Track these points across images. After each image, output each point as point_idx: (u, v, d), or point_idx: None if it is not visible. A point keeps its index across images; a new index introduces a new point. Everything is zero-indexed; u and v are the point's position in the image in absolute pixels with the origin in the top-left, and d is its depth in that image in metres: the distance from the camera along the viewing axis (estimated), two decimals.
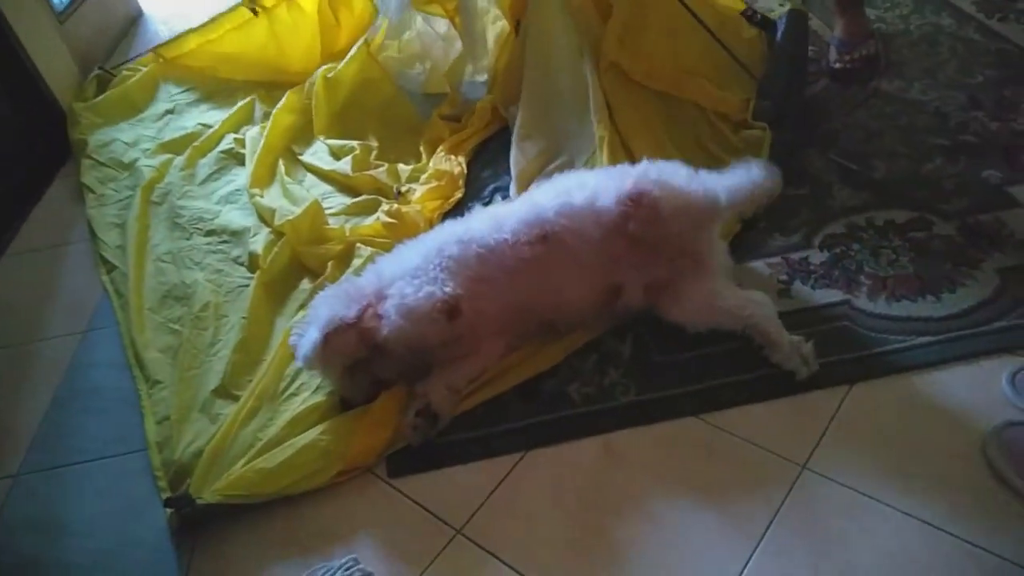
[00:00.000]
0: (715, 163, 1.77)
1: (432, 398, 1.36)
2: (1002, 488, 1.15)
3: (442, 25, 2.22)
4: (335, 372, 1.41)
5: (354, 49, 2.27)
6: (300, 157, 2.15)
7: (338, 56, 2.35)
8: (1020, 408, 1.24)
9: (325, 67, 2.30)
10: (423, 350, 1.40)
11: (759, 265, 1.58)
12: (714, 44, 1.91)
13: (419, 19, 2.23)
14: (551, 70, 1.95)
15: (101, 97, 2.50)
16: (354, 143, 2.11)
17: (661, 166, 1.46)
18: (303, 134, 2.23)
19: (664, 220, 1.38)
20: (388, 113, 2.26)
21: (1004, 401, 1.26)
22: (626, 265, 1.41)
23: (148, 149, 2.26)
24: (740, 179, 1.46)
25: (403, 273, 1.42)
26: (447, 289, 1.35)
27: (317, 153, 2.17)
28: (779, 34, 1.95)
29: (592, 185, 1.44)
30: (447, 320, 1.35)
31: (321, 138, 2.19)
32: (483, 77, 2.22)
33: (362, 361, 1.39)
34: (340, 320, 1.35)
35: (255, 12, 2.43)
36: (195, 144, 2.23)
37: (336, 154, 2.13)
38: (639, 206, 1.37)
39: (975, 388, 1.29)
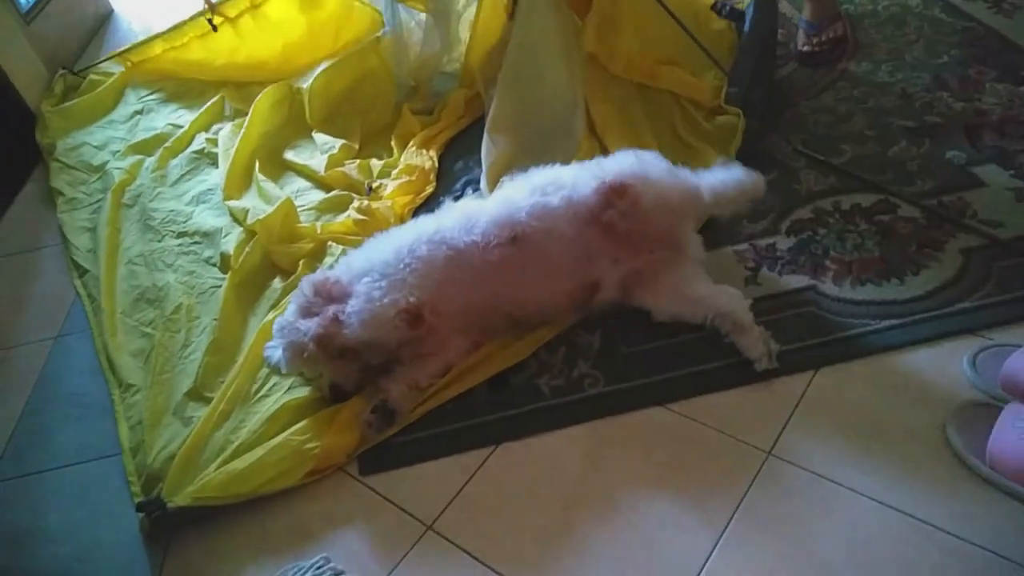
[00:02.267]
0: (688, 151, 1.79)
1: (391, 395, 1.37)
2: (962, 468, 1.17)
3: (423, 17, 2.20)
4: (316, 370, 1.42)
5: (365, 42, 2.23)
6: (284, 156, 2.13)
7: (330, 54, 2.30)
8: (980, 389, 1.25)
9: (326, 64, 2.24)
10: (385, 351, 1.41)
11: (727, 252, 1.59)
12: (685, 35, 1.92)
13: (401, 10, 2.21)
14: (535, 68, 1.93)
15: (70, 103, 2.48)
16: (337, 143, 2.09)
17: (643, 158, 1.47)
18: (284, 129, 2.22)
19: (644, 213, 1.39)
20: (379, 104, 2.23)
21: (965, 382, 1.27)
22: (603, 260, 1.42)
23: (118, 151, 2.25)
24: (724, 178, 1.48)
25: (371, 268, 1.42)
26: (412, 298, 1.36)
27: (297, 148, 2.16)
28: (747, 22, 1.96)
29: (569, 183, 1.44)
30: (408, 328, 1.36)
31: (315, 130, 2.17)
32: (452, 68, 2.21)
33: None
34: (299, 338, 1.36)
35: (213, 26, 2.40)
36: (166, 145, 2.22)
37: (322, 150, 2.11)
38: (620, 197, 1.38)
39: (937, 370, 1.30)
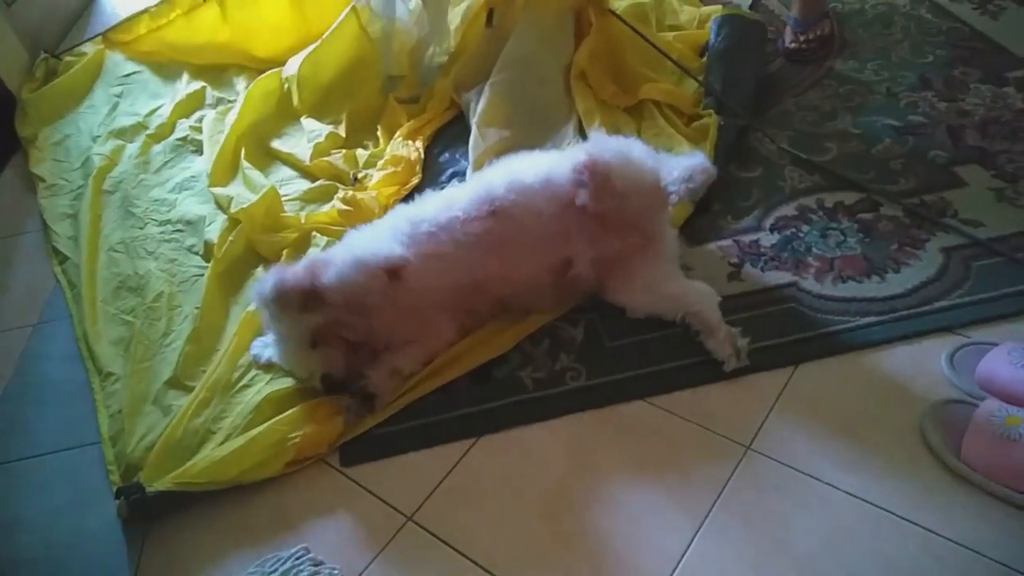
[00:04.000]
0: (669, 142, 1.80)
1: (371, 379, 1.37)
2: (938, 465, 1.18)
3: (414, 5, 2.19)
4: (299, 341, 1.39)
5: (342, 16, 2.19)
6: (270, 145, 2.11)
7: (316, 38, 2.26)
8: (957, 386, 1.27)
9: (310, 49, 2.21)
10: (362, 310, 1.38)
11: (711, 248, 1.59)
12: (664, 62, 1.99)
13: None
14: (533, 72, 1.97)
15: (47, 87, 2.44)
16: (324, 130, 2.08)
17: (618, 139, 1.48)
18: (273, 118, 2.19)
19: (616, 192, 1.39)
20: (365, 90, 2.21)
21: (942, 379, 1.29)
22: (576, 238, 1.42)
23: (99, 136, 2.22)
24: (683, 162, 1.51)
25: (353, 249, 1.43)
26: (397, 252, 1.37)
27: (283, 137, 2.15)
28: (712, 36, 2.00)
29: (546, 164, 1.45)
30: (388, 279, 1.35)
31: (304, 116, 2.16)
32: (442, 59, 2.20)
33: (323, 329, 1.38)
34: (281, 275, 1.37)
35: None
36: (148, 132, 2.19)
37: (308, 137, 2.09)
38: (592, 175, 1.38)
39: (916, 367, 1.32)
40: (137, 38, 2.51)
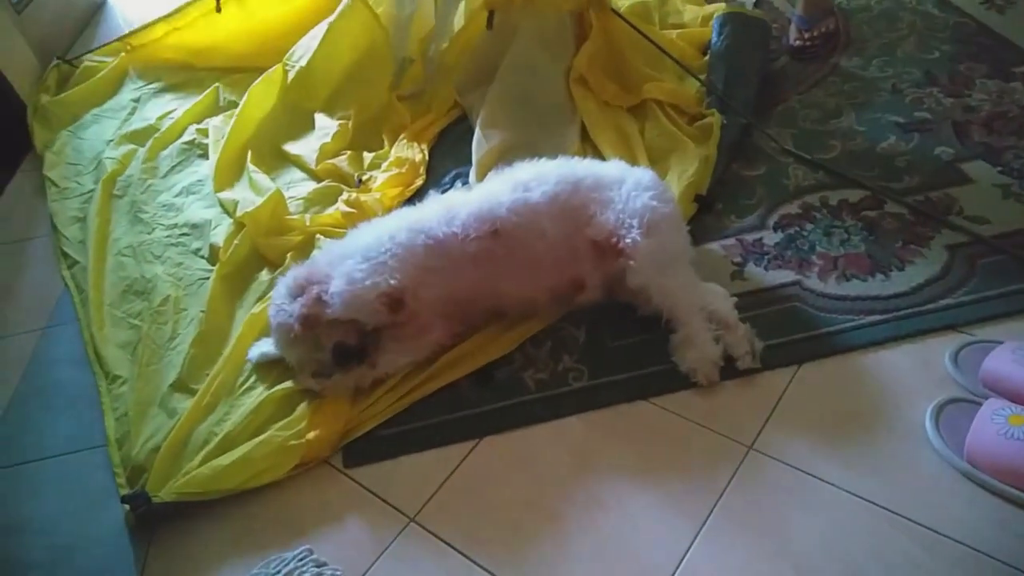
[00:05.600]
0: (672, 142, 1.81)
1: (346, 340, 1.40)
2: (941, 463, 1.17)
3: None
4: (314, 351, 1.42)
5: (342, 6, 2.17)
6: (283, 147, 2.12)
7: None
8: (961, 385, 1.26)
9: (317, 42, 2.18)
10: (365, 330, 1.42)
11: (714, 247, 1.59)
12: (666, 62, 1.99)
13: None
14: (535, 75, 1.99)
15: (69, 92, 2.47)
16: (333, 126, 2.09)
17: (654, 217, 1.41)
18: (281, 116, 2.20)
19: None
20: (376, 81, 2.20)
21: (946, 378, 1.28)
22: (589, 260, 1.43)
23: (112, 140, 2.24)
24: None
25: (353, 251, 1.44)
26: (393, 281, 1.37)
27: (294, 138, 2.15)
28: (713, 37, 2.00)
29: (554, 178, 1.44)
30: (388, 312, 1.36)
31: (317, 112, 2.17)
32: (442, 46, 2.20)
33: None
34: (286, 319, 1.39)
35: (219, 6, 2.40)
36: (157, 135, 2.21)
37: (318, 135, 2.10)
38: (617, 256, 1.39)
39: (919, 366, 1.31)
40: (154, 42, 2.53)
